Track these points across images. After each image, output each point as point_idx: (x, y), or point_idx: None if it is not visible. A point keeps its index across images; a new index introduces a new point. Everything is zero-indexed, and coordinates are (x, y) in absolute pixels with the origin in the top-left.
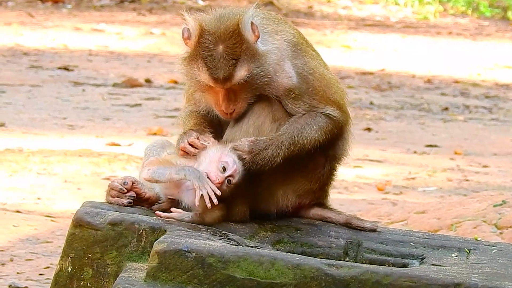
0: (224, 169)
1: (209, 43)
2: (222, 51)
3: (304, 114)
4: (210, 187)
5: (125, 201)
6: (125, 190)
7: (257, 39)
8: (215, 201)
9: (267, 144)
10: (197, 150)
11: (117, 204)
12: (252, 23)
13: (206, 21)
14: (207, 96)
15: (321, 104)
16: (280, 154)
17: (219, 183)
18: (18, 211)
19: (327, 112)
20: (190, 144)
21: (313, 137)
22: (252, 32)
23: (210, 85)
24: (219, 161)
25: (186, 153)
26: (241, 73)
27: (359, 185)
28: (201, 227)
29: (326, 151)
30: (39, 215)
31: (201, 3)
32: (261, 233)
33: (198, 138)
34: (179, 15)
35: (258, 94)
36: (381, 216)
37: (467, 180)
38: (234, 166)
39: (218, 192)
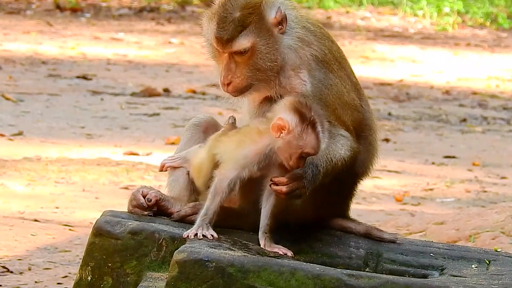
0: (302, 157)
1: (230, 7)
2: (236, 17)
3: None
4: (207, 235)
5: (145, 212)
6: (147, 206)
7: (277, 24)
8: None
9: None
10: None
11: (137, 214)
12: (279, 9)
13: None
14: (215, 59)
15: (332, 118)
16: (320, 174)
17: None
18: (36, 220)
19: (341, 132)
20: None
21: (342, 154)
22: (274, 15)
23: (215, 49)
24: (300, 153)
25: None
26: (244, 41)
27: (377, 195)
28: (222, 236)
29: (348, 167)
30: (57, 224)
31: None
32: (281, 243)
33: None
34: (198, 25)
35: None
36: (400, 227)
37: (485, 191)
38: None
39: (209, 237)
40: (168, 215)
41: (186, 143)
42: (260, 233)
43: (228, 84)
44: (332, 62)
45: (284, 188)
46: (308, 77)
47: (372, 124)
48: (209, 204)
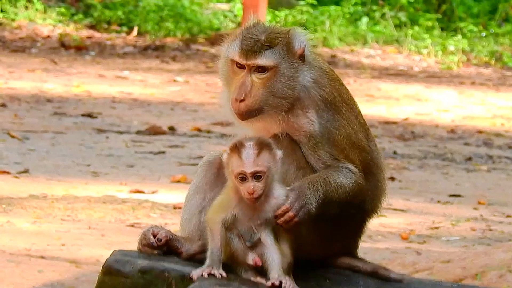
0: (242, 178)
1: (255, 31)
2: (262, 39)
3: (328, 166)
4: (216, 274)
5: (155, 251)
6: (156, 246)
7: (301, 54)
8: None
9: (305, 184)
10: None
11: (147, 253)
12: (303, 42)
13: (267, 21)
14: (229, 82)
15: (341, 157)
16: (319, 192)
17: (253, 193)
18: (42, 257)
19: (348, 166)
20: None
21: (343, 181)
22: (299, 46)
23: (235, 67)
24: (236, 174)
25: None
26: (269, 59)
27: (383, 233)
28: (231, 275)
29: (356, 204)
30: (63, 261)
31: None
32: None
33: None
34: (203, 63)
35: (282, 139)
36: (406, 265)
37: (490, 230)
38: (253, 163)
39: (218, 276)
40: (178, 254)
41: (201, 180)
42: (281, 274)
43: (241, 101)
44: (340, 104)
45: (290, 213)
46: (316, 117)
47: (379, 163)
48: (212, 246)
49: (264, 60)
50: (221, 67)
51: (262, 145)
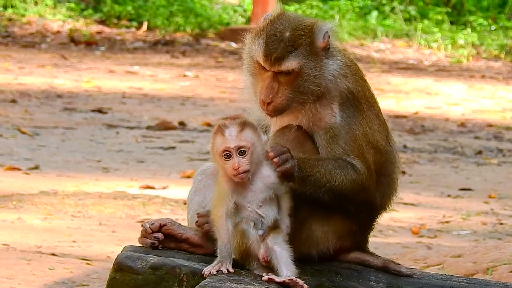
0: (227, 156)
1: (280, 26)
2: (287, 37)
3: (333, 158)
4: (224, 270)
5: (149, 241)
6: (151, 231)
7: (325, 47)
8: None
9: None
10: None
11: (144, 245)
12: (326, 34)
13: (290, 11)
14: (255, 81)
15: (354, 153)
16: (307, 166)
17: (238, 168)
18: (53, 254)
19: (353, 162)
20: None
21: (336, 172)
22: (322, 39)
23: (260, 66)
24: (222, 152)
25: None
26: (293, 62)
27: (393, 228)
28: (242, 271)
29: (360, 200)
30: (74, 258)
31: (234, 45)
32: (301, 278)
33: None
34: (213, 58)
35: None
36: (417, 260)
37: (501, 223)
38: (236, 139)
39: (224, 271)
40: (183, 242)
41: (198, 184)
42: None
43: (269, 104)
44: (362, 101)
45: (271, 153)
46: (338, 110)
47: (395, 163)
48: (220, 243)
49: (288, 65)
50: (246, 59)
51: (245, 124)
